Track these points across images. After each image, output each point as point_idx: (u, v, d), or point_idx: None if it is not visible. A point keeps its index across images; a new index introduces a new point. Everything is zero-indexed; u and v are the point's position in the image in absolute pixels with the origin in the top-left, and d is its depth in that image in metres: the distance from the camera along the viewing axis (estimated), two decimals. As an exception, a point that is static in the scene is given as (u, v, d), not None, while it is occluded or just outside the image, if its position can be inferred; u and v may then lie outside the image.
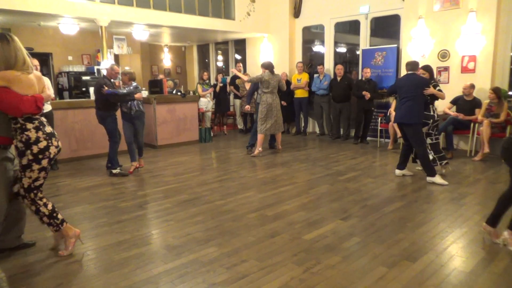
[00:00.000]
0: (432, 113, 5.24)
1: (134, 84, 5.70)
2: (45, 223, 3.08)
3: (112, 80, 5.66)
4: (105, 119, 5.60)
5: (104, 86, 5.42)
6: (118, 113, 5.76)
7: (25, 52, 2.87)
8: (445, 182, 4.97)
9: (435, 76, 5.60)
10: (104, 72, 6.06)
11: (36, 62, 5.18)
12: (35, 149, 2.87)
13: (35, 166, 2.91)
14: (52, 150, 2.97)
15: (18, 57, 2.78)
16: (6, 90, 2.74)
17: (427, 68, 5.41)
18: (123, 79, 5.80)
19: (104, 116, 5.59)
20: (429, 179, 5.08)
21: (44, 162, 2.94)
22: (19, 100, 2.76)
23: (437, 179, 5.01)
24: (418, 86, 5.08)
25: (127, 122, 5.77)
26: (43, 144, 2.91)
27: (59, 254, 3.10)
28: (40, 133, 2.90)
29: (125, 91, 5.50)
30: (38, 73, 3.11)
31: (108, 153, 5.78)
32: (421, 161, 5.15)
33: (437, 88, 5.27)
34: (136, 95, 5.60)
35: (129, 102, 5.64)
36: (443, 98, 5.29)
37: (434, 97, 5.25)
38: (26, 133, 2.86)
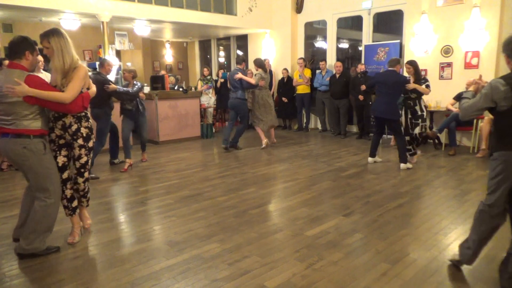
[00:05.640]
0: (420, 112, 5.64)
1: (139, 82, 5.79)
2: (88, 200, 3.44)
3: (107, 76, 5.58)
4: (101, 117, 5.42)
5: (110, 83, 5.38)
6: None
7: None
8: (410, 166, 5.66)
9: (423, 72, 5.99)
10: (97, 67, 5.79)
11: (40, 58, 5.10)
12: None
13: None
14: (91, 143, 3.24)
15: (73, 51, 2.99)
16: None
17: (412, 63, 5.71)
18: (127, 77, 5.80)
19: (99, 114, 5.40)
20: (402, 165, 5.61)
21: None
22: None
23: (407, 165, 5.61)
24: (397, 83, 5.49)
25: (129, 120, 5.85)
26: (90, 133, 3.21)
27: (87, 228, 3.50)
28: (89, 123, 3.20)
29: (135, 90, 5.61)
30: None
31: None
32: (400, 149, 5.67)
33: (426, 83, 5.59)
34: (140, 93, 5.79)
35: (135, 100, 5.75)
36: (426, 93, 5.60)
37: (420, 93, 5.59)
38: (89, 120, 3.20)
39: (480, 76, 2.91)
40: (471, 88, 2.82)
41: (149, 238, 3.35)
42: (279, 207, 4.14)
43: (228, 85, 9.69)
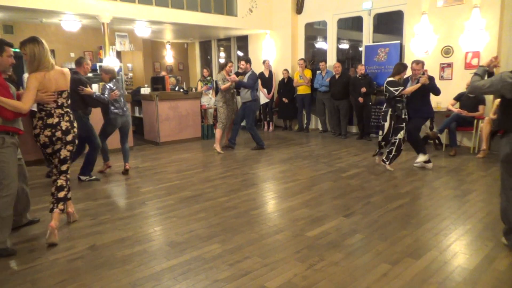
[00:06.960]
0: (403, 116, 5.52)
1: (110, 84, 5.21)
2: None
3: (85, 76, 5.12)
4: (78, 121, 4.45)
5: (87, 85, 4.90)
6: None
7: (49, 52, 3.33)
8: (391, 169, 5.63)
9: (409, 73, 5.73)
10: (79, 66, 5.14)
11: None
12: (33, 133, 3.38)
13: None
14: (42, 138, 3.34)
15: (48, 58, 3.28)
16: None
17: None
18: (104, 77, 5.27)
19: (76, 117, 4.42)
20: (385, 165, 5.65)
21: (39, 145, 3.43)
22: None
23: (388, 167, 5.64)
24: None
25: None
26: (36, 131, 3.35)
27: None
28: (39, 122, 3.33)
29: (106, 95, 5.06)
30: (61, 69, 3.44)
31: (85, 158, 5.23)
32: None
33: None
34: (113, 94, 5.16)
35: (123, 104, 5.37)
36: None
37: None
38: (36, 124, 3.38)
39: (497, 56, 3.39)
40: (484, 63, 3.26)
41: (150, 239, 3.36)
42: (280, 207, 4.15)
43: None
